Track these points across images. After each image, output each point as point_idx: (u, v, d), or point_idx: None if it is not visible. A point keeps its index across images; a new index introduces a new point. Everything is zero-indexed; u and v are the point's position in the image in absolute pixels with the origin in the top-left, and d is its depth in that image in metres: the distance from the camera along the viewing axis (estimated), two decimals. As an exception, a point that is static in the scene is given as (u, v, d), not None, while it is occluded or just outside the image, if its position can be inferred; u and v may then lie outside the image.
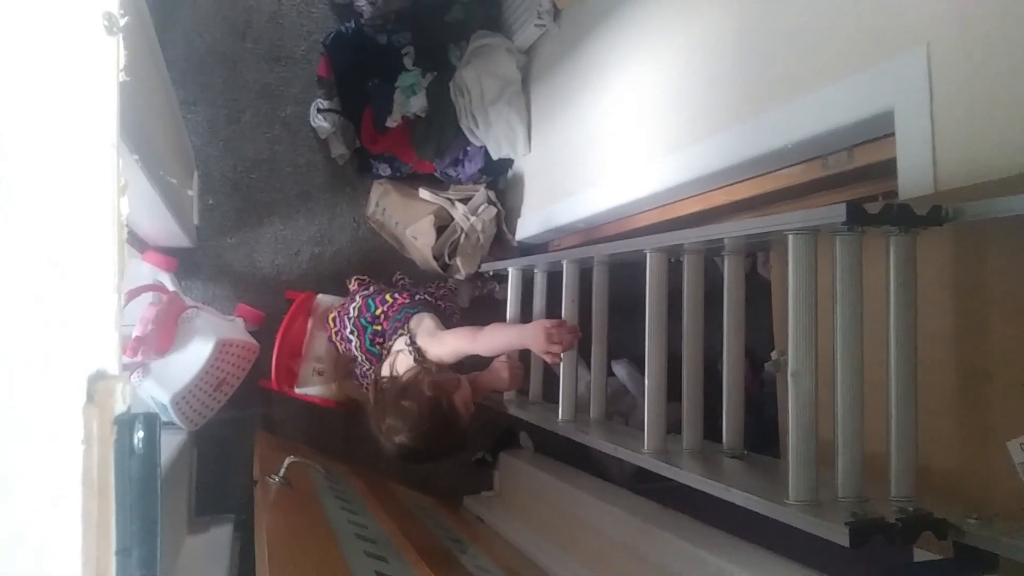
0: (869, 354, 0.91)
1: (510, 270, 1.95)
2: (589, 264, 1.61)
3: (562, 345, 1.46)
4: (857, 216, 0.88)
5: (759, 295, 1.38)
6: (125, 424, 0.34)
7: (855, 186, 1.21)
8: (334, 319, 1.90)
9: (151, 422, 0.35)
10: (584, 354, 1.64)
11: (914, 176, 0.94)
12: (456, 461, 2.26)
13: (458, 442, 1.57)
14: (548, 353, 1.48)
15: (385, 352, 1.70)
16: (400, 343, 1.64)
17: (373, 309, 1.77)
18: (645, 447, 1.27)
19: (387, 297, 1.76)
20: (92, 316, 0.34)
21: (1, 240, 0.32)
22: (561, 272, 1.65)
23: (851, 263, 0.91)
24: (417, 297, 1.80)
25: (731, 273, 1.24)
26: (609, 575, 1.54)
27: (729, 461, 1.20)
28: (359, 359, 1.82)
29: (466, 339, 1.58)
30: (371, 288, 1.91)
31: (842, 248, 0.92)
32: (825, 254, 0.95)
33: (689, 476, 1.10)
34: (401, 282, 2.07)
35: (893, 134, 0.98)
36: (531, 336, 1.50)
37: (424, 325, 1.66)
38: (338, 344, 1.90)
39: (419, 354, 1.59)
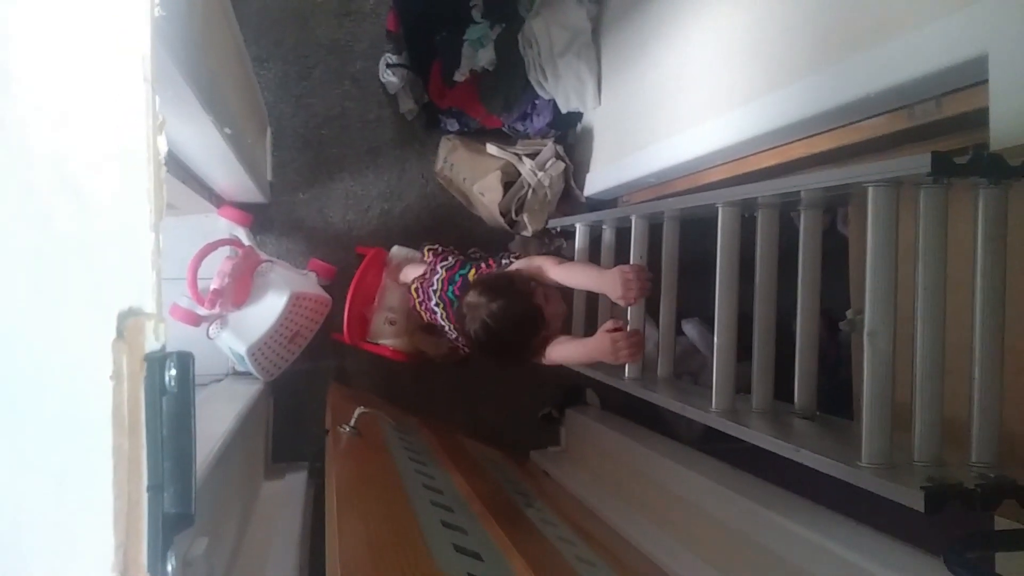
0: (949, 314, 0.86)
1: (578, 226, 1.93)
2: (658, 220, 1.57)
3: (638, 291, 1.49)
4: (943, 166, 0.82)
5: (837, 253, 1.33)
6: (156, 361, 0.35)
7: (941, 138, 1.13)
8: (416, 290, 1.95)
9: (184, 361, 0.36)
10: (652, 312, 1.61)
11: (1007, 126, 0.87)
12: (523, 415, 2.29)
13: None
14: (623, 299, 1.51)
15: None
16: None
17: (459, 283, 1.84)
18: (713, 406, 1.24)
19: (470, 276, 1.84)
20: (124, 253, 0.34)
21: (25, 175, 0.32)
22: (629, 228, 1.62)
23: (936, 217, 0.86)
24: (504, 262, 1.86)
25: (807, 227, 1.19)
26: (675, 532, 1.54)
27: (800, 422, 1.17)
28: (446, 328, 1.89)
29: (551, 262, 1.68)
30: (449, 259, 1.95)
31: (926, 201, 0.86)
32: (905, 208, 0.90)
33: (757, 436, 1.08)
34: (474, 255, 2.10)
35: (986, 81, 0.91)
36: (609, 281, 1.53)
37: None
38: (423, 314, 1.96)
39: None
